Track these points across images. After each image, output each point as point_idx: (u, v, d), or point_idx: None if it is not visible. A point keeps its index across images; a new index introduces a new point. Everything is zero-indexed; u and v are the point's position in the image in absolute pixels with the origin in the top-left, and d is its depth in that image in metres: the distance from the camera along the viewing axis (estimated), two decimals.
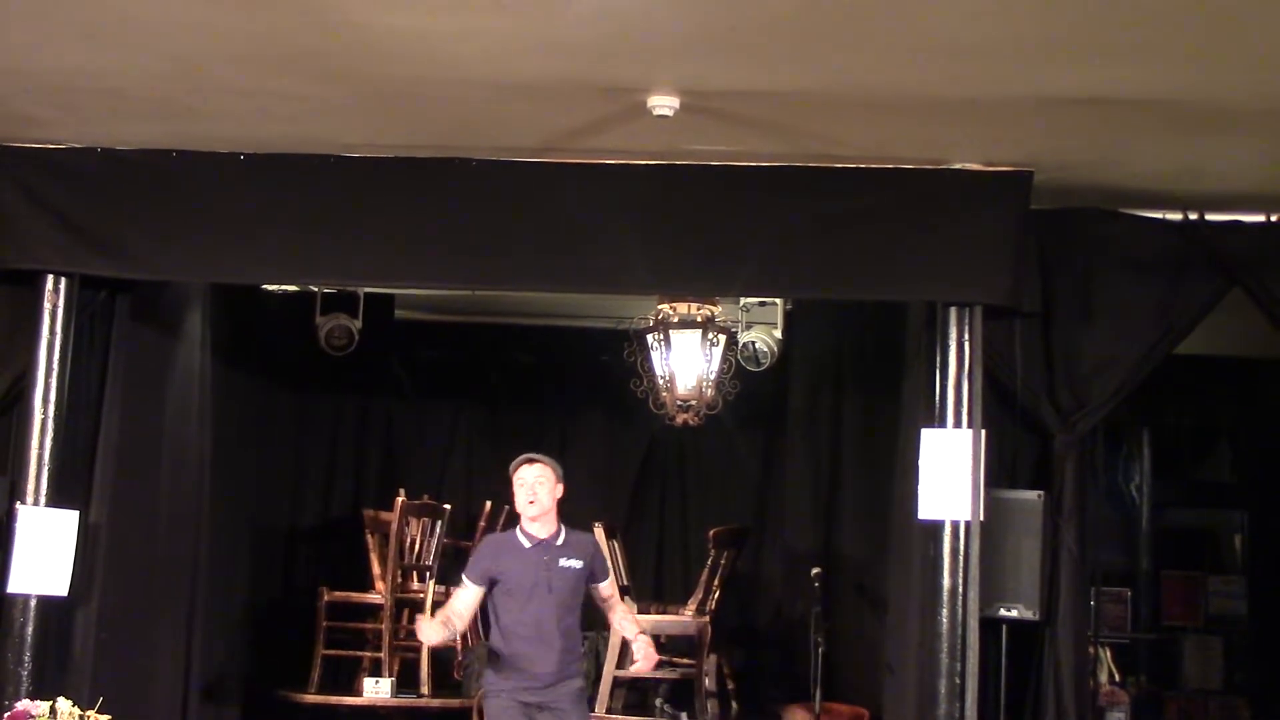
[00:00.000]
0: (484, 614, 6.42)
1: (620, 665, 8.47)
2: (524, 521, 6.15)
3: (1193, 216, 6.70)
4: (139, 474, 7.14)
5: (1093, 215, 6.75)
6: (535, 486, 6.10)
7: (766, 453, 9.62)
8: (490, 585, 6.10)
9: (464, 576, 6.16)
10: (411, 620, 8.68)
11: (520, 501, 6.13)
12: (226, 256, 6.72)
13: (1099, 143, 6.07)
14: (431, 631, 6.04)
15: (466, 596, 6.11)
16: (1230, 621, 9.97)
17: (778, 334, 8.97)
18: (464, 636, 8.59)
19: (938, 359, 6.47)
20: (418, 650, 8.47)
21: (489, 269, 6.74)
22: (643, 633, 6.32)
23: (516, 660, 6.06)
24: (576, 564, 6.16)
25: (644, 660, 6.21)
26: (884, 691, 7.13)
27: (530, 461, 6.16)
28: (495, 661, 6.14)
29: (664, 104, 5.66)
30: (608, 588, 6.35)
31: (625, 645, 8.44)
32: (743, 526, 8.97)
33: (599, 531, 8.50)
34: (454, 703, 8.26)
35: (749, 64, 5.36)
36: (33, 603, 6.47)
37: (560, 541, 6.17)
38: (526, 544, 6.12)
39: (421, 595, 8.60)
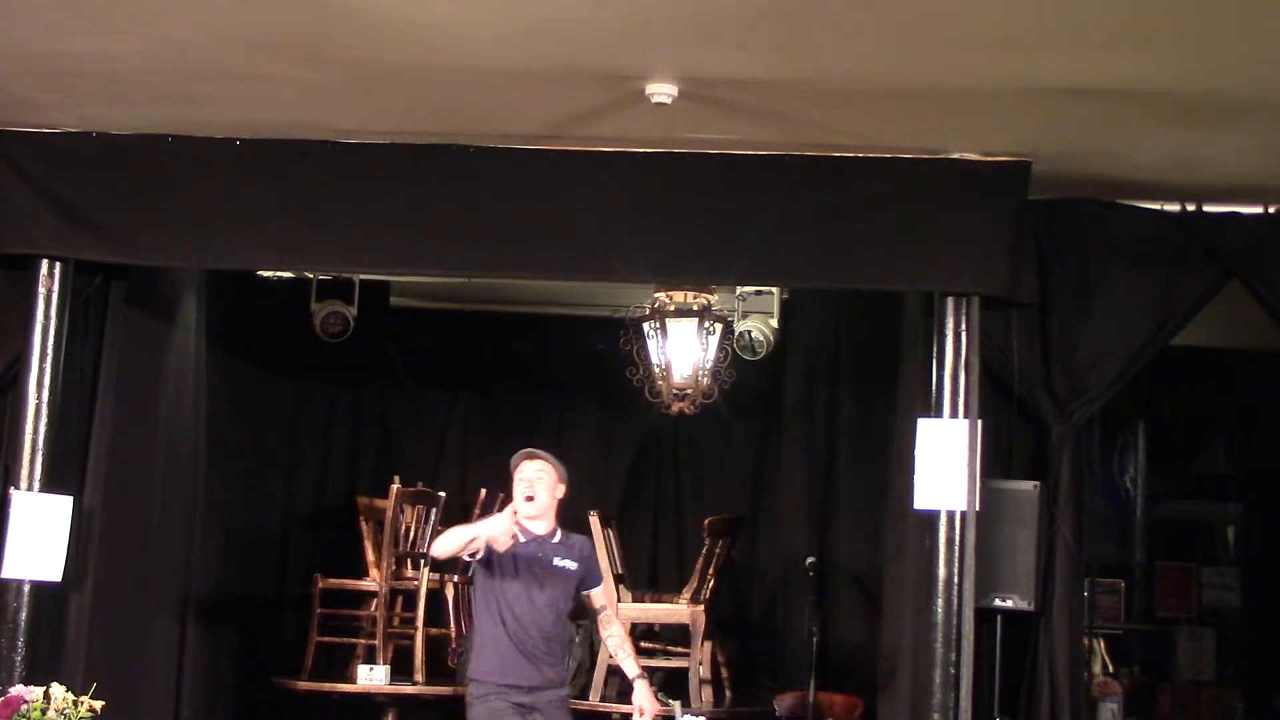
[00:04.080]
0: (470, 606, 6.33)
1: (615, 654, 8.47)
2: (519, 518, 6.03)
3: (1190, 208, 6.71)
4: (133, 459, 7.13)
5: (1090, 206, 6.75)
6: (534, 482, 6.05)
7: (762, 442, 9.62)
8: (485, 562, 5.92)
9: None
10: (406, 608, 8.69)
11: (517, 496, 6.06)
12: (222, 242, 6.70)
13: (1097, 133, 6.07)
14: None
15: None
16: (1223, 613, 9.98)
17: (774, 323, 8.95)
18: (459, 625, 8.61)
19: (934, 349, 6.46)
20: (412, 638, 8.48)
21: (485, 256, 6.73)
22: (641, 676, 6.21)
23: (501, 666, 5.95)
24: (571, 565, 6.09)
25: (647, 713, 6.08)
26: (879, 681, 7.13)
27: (531, 457, 6.11)
28: (481, 667, 6.01)
29: (662, 92, 5.65)
30: (600, 597, 6.28)
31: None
32: (738, 516, 8.96)
33: (594, 521, 8.51)
34: (447, 690, 8.26)
35: (748, 52, 5.35)
36: (26, 588, 6.46)
37: (556, 540, 6.12)
38: (521, 538, 6.01)
39: (416, 583, 8.60)
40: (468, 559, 5.93)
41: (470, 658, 6.17)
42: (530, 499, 6.02)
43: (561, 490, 6.17)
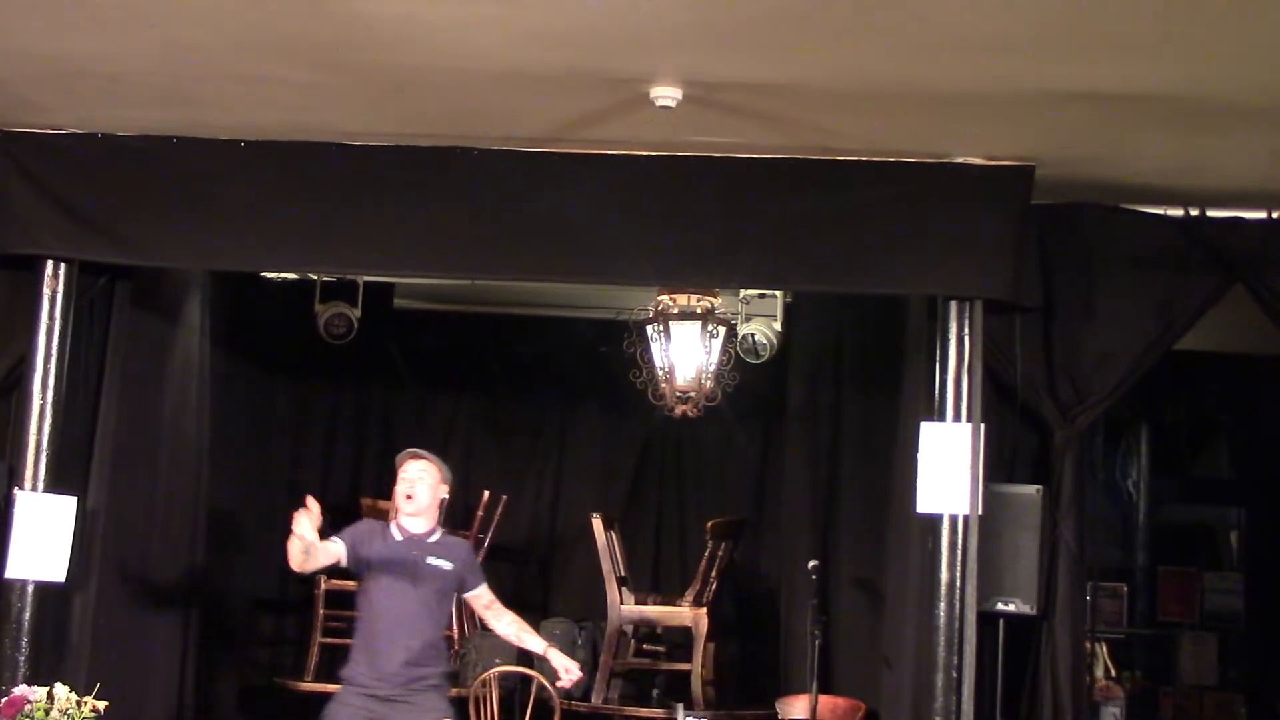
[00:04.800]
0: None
1: (617, 656, 8.48)
2: (400, 516, 6.15)
3: (1194, 213, 6.71)
4: (137, 460, 7.15)
5: (1094, 210, 6.75)
6: (415, 482, 6.11)
7: (765, 445, 9.61)
8: (356, 566, 6.07)
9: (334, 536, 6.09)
10: None
11: (398, 495, 6.14)
12: (226, 243, 6.71)
13: (1101, 138, 6.07)
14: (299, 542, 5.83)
15: (329, 545, 6.02)
16: (1226, 618, 9.99)
17: (777, 326, 8.97)
18: (462, 626, 8.62)
19: (938, 353, 6.47)
20: None
21: (489, 259, 6.73)
22: (550, 645, 6.30)
23: (368, 655, 6.04)
24: (446, 565, 6.12)
25: (568, 677, 6.14)
26: (881, 684, 7.14)
27: (415, 457, 6.18)
28: (351, 659, 6.11)
29: (666, 95, 5.65)
30: (485, 594, 6.31)
31: (618, 639, 8.48)
32: (740, 518, 8.97)
33: (596, 523, 8.52)
34: (450, 692, 8.25)
35: (752, 56, 5.35)
36: (30, 588, 6.47)
37: (433, 540, 6.17)
38: (398, 536, 6.12)
39: None
40: (344, 565, 6.10)
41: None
42: (410, 498, 6.11)
43: (444, 491, 6.25)
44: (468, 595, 6.29)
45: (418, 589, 6.04)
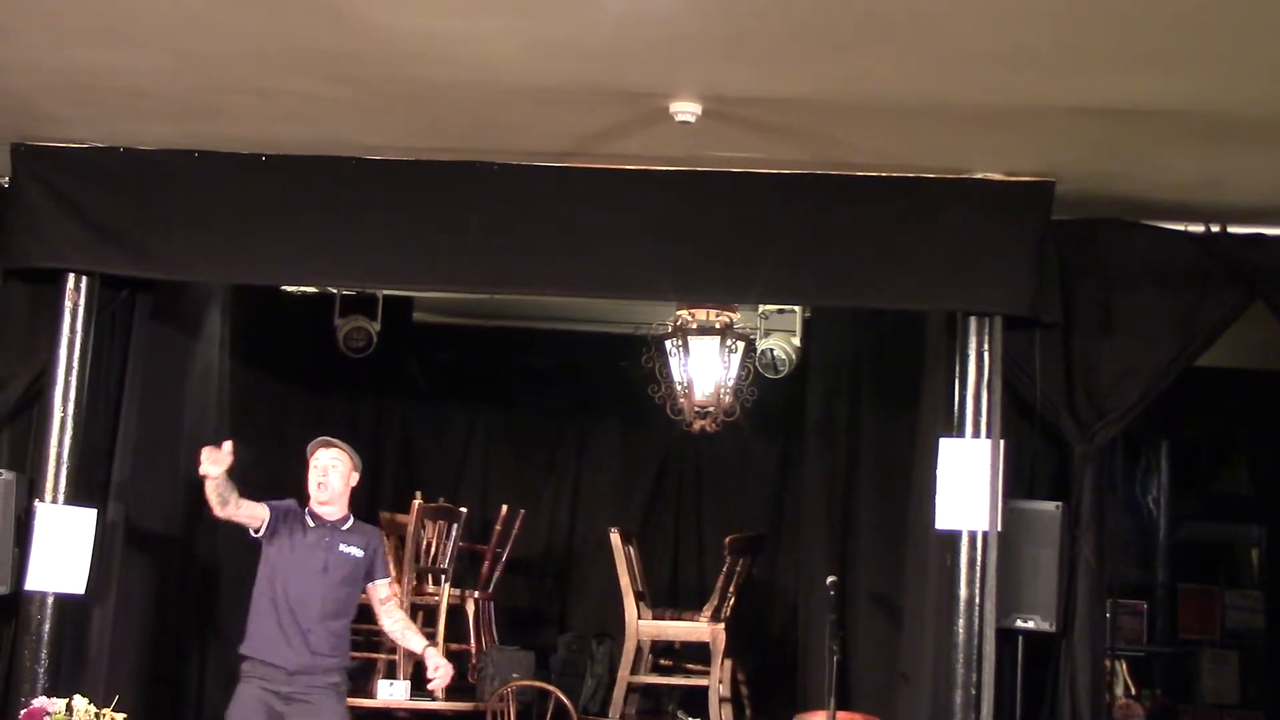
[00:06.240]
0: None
1: (635, 671, 8.47)
2: (312, 503, 6.27)
3: (1214, 229, 6.68)
4: (157, 473, 7.16)
5: (1114, 226, 6.74)
6: (328, 470, 6.23)
7: (783, 460, 9.61)
8: (270, 537, 6.17)
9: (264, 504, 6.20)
10: (427, 624, 8.69)
11: (311, 483, 6.25)
12: (246, 257, 6.74)
13: (1121, 153, 6.06)
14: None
15: (255, 506, 6.15)
16: (1247, 636, 9.95)
17: (796, 341, 8.97)
18: (479, 641, 8.62)
19: (957, 368, 6.45)
20: None
21: (508, 273, 6.74)
22: (431, 645, 6.40)
23: (268, 644, 6.08)
24: (356, 552, 6.22)
25: (441, 678, 6.22)
26: (899, 701, 7.10)
27: (326, 445, 6.30)
28: (250, 644, 6.14)
29: (686, 110, 5.66)
30: (384, 588, 6.37)
31: (638, 652, 8.47)
32: (759, 533, 8.96)
33: (614, 538, 8.51)
34: (468, 706, 8.26)
35: (772, 71, 5.36)
36: (50, 600, 6.48)
37: (345, 527, 6.26)
38: (311, 522, 6.23)
39: (437, 598, 8.60)
40: (254, 535, 6.22)
41: (245, 633, 6.25)
42: (322, 486, 6.24)
43: (355, 479, 6.37)
44: (371, 585, 6.34)
45: (327, 575, 6.16)
